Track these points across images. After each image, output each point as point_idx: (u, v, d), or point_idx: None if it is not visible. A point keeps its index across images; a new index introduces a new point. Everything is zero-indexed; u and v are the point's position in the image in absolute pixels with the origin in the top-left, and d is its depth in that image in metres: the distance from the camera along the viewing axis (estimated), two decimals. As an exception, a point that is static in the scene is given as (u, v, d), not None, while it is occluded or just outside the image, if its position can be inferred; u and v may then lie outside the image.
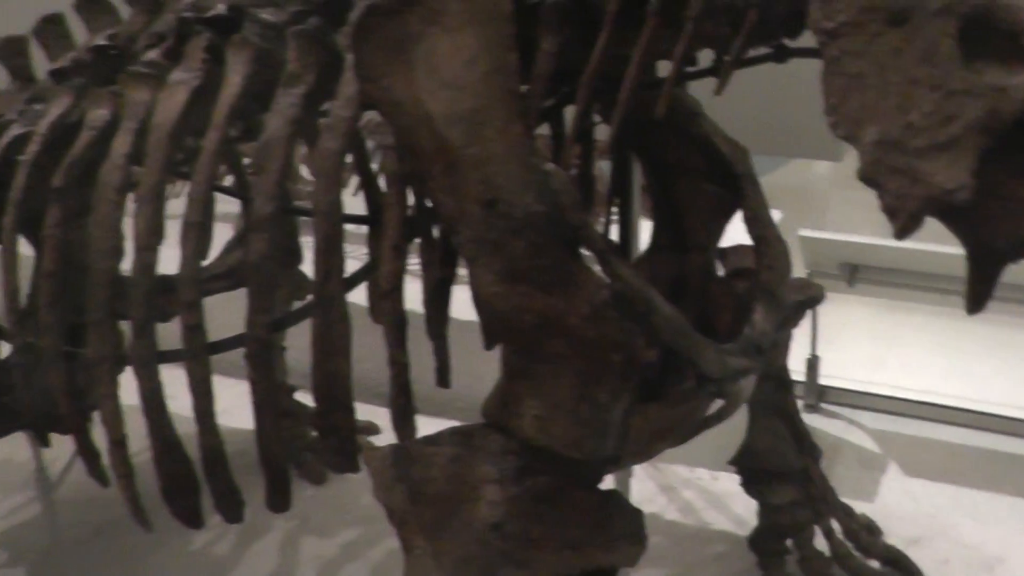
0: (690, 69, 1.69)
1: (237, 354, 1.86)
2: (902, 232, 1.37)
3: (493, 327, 1.53)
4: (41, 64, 2.17)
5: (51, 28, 2.15)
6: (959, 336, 4.11)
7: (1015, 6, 1.35)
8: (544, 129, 1.80)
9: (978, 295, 1.47)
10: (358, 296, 1.78)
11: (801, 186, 4.32)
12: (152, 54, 1.90)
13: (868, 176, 1.37)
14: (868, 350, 4.11)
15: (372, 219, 2.00)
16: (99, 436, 1.98)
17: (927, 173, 1.33)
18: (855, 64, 1.39)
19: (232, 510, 1.89)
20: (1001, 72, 1.33)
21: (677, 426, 1.66)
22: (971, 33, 1.35)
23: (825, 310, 3.68)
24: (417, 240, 1.78)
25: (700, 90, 1.79)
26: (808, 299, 2.07)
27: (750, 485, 2.34)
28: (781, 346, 2.25)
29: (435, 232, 1.95)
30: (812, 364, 3.58)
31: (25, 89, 2.18)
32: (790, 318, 2.02)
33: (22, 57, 2.21)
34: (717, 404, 1.75)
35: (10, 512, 2.96)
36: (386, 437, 2.89)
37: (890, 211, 1.36)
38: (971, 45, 1.35)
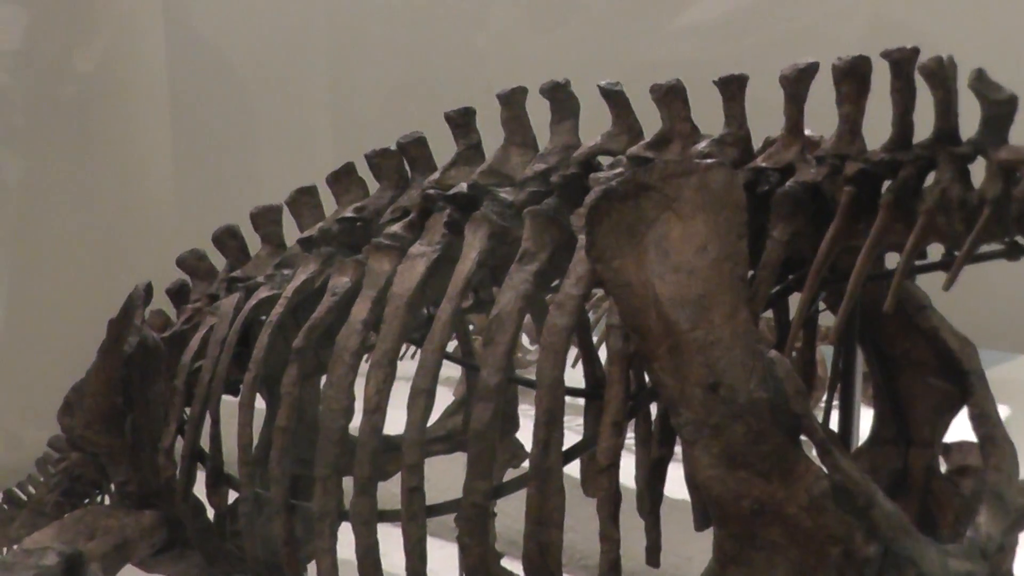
0: (920, 262, 1.70)
1: (447, 515, 1.90)
2: None
3: (709, 510, 1.54)
4: (292, 232, 2.33)
5: (304, 199, 2.31)
6: None
7: None
8: (768, 313, 1.83)
9: None
10: (570, 467, 1.81)
11: (1032, 381, 4.14)
12: (396, 227, 2.02)
13: None
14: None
15: (591, 393, 2.04)
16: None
17: None
18: None
19: (436, 673, 1.91)
20: None
21: (894, 626, 1.61)
22: None
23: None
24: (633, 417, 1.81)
25: (928, 282, 1.78)
26: (1038, 503, 1.99)
27: None
28: (1007, 551, 2.15)
29: (653, 411, 1.98)
30: (1040, 571, 3.38)
31: (275, 254, 2.34)
32: (1017, 522, 1.95)
33: (275, 225, 2.37)
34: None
35: (220, 655, 3.04)
36: (588, 611, 2.87)
37: None
38: None
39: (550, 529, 1.69)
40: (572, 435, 1.86)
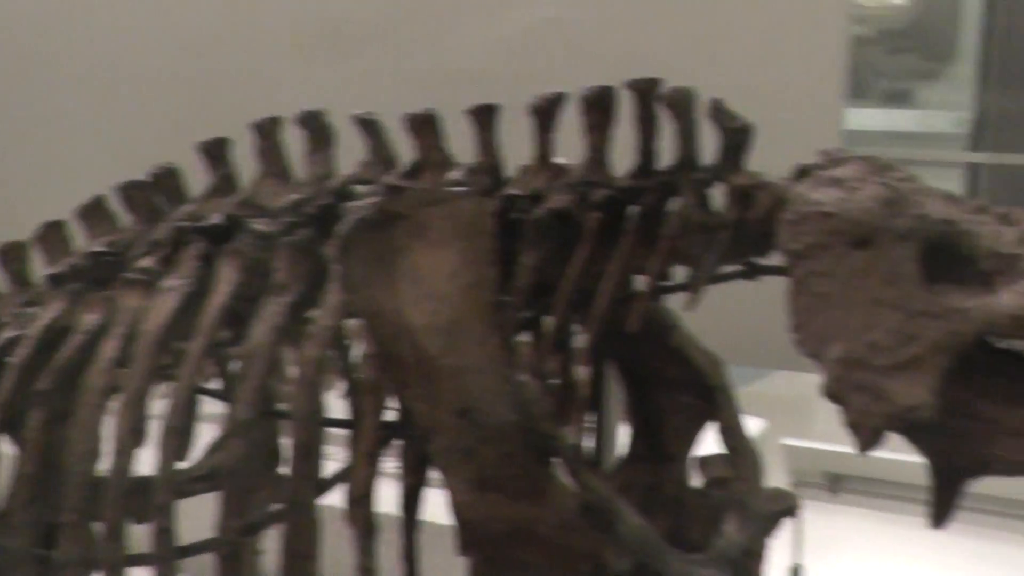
0: (664, 284, 1.76)
1: (210, 556, 1.86)
2: (864, 447, 1.41)
3: (464, 534, 1.55)
4: (41, 268, 2.23)
5: (51, 233, 2.21)
6: (943, 547, 4.11)
7: (974, 232, 1.42)
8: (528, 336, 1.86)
9: (941, 510, 1.50)
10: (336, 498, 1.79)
11: (788, 395, 4.37)
12: (147, 261, 1.96)
13: (832, 392, 1.42)
14: (854, 560, 4.09)
15: (351, 423, 2.03)
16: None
17: (889, 391, 1.37)
18: (821, 284, 1.45)
19: None
20: (961, 294, 1.39)
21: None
22: (932, 257, 1.41)
23: (810, 520, 3.66)
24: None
25: (678, 302, 1.85)
26: (783, 509, 2.08)
27: None
28: (756, 556, 2.25)
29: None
30: (796, 574, 3.54)
31: (22, 293, 2.23)
32: (766, 528, 2.03)
33: (20, 262, 2.27)
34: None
35: None
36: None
37: (853, 426, 1.41)
38: (932, 268, 1.41)
39: (305, 562, 1.67)
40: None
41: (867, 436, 1.41)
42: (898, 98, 10.24)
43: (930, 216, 1.44)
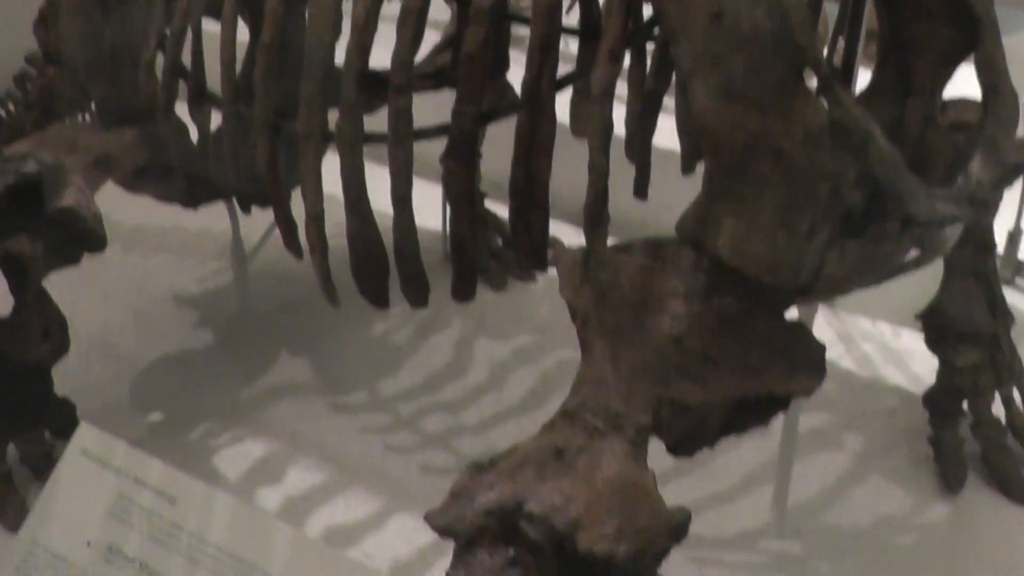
0: None
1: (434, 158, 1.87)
2: None
3: (702, 143, 1.50)
4: None
5: None
6: None
7: None
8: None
9: None
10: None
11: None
12: None
13: None
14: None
15: (586, 32, 1.98)
16: (297, 212, 2.03)
17: None
18: None
19: (418, 294, 1.93)
20: None
21: (873, 265, 1.62)
22: None
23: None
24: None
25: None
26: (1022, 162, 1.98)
27: (934, 343, 2.30)
28: (990, 207, 2.16)
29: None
30: (1013, 238, 3.40)
31: None
32: (1004, 178, 1.93)
33: None
34: (915, 252, 1.70)
35: (204, 278, 3.11)
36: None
37: None
38: None
39: (538, 156, 1.66)
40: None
41: None
42: None
43: None
